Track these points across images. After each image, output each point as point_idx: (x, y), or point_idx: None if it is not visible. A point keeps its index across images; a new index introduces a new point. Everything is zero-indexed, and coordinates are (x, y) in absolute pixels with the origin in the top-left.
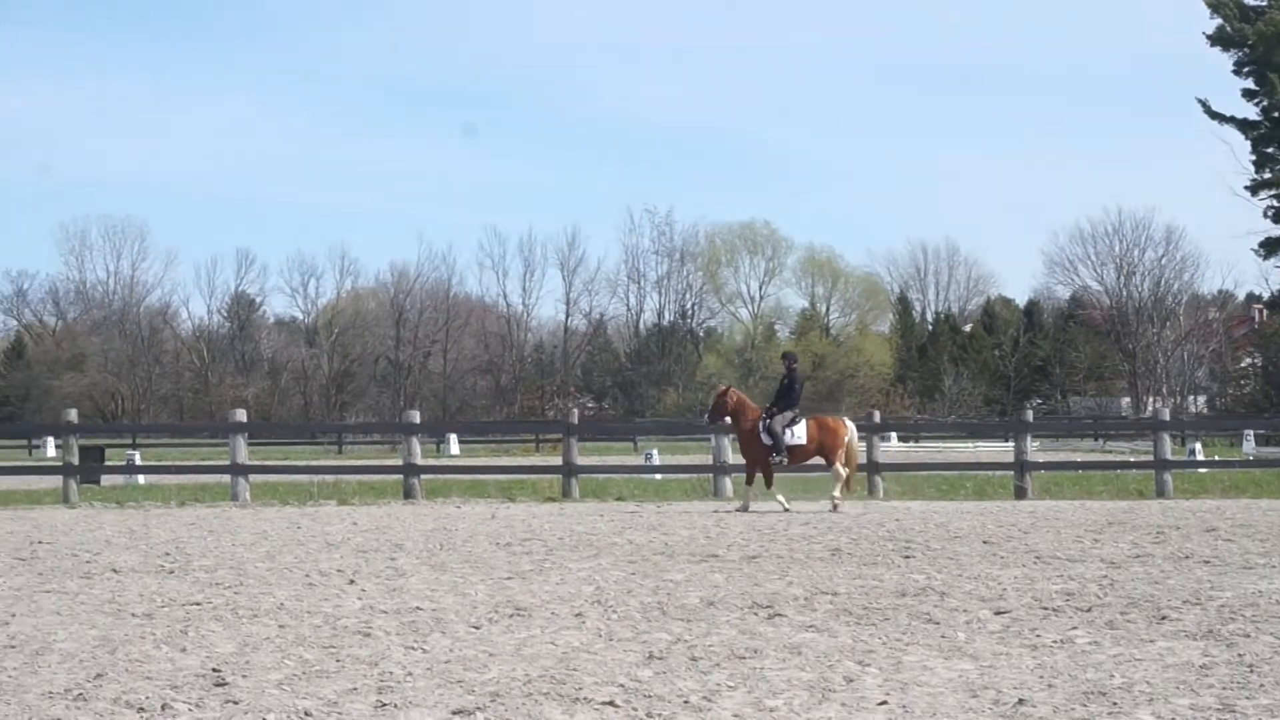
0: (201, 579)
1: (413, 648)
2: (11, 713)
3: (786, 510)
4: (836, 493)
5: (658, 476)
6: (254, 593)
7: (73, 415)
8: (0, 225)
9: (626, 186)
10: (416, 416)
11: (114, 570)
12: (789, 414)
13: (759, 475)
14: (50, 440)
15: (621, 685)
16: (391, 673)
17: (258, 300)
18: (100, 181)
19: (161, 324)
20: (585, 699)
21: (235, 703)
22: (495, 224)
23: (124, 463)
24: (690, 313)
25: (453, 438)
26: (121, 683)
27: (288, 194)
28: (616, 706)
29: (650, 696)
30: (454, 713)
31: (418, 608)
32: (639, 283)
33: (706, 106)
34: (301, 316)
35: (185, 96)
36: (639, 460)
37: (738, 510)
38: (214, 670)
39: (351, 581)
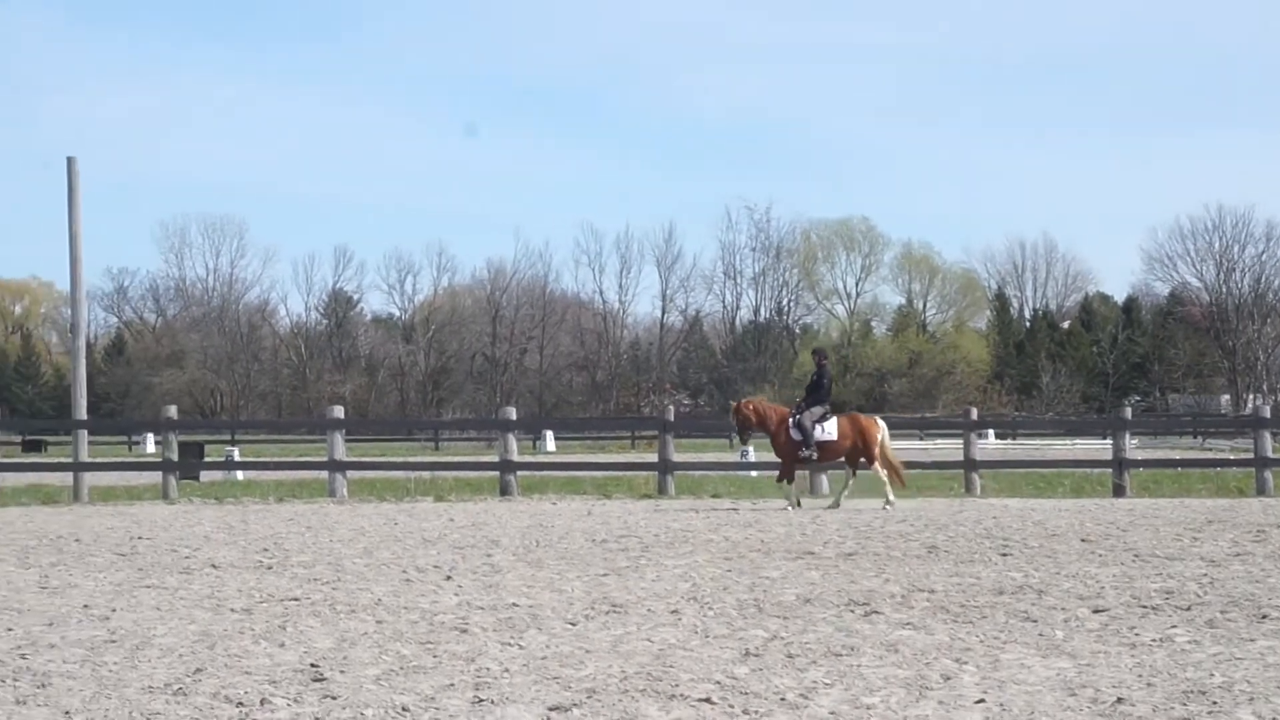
0: (300, 575)
1: (509, 644)
2: (112, 707)
3: (797, 507)
4: (890, 495)
5: (754, 473)
6: (352, 589)
7: (172, 412)
8: (101, 223)
9: (724, 183)
10: (513, 413)
11: (213, 566)
12: (819, 410)
13: (785, 468)
14: (150, 437)
15: (718, 682)
16: (488, 669)
17: (355, 297)
18: (200, 179)
19: (260, 321)
20: (681, 695)
21: (333, 698)
22: (592, 221)
23: (223, 459)
24: (786, 309)
25: (549, 434)
26: (220, 678)
27: (386, 191)
28: (712, 703)
29: (746, 693)
30: (550, 709)
31: (514, 604)
32: (735, 279)
33: (805, 103)
34: (398, 313)
35: (285, 94)
36: (735, 457)
37: (790, 508)
38: (312, 665)
39: (448, 578)
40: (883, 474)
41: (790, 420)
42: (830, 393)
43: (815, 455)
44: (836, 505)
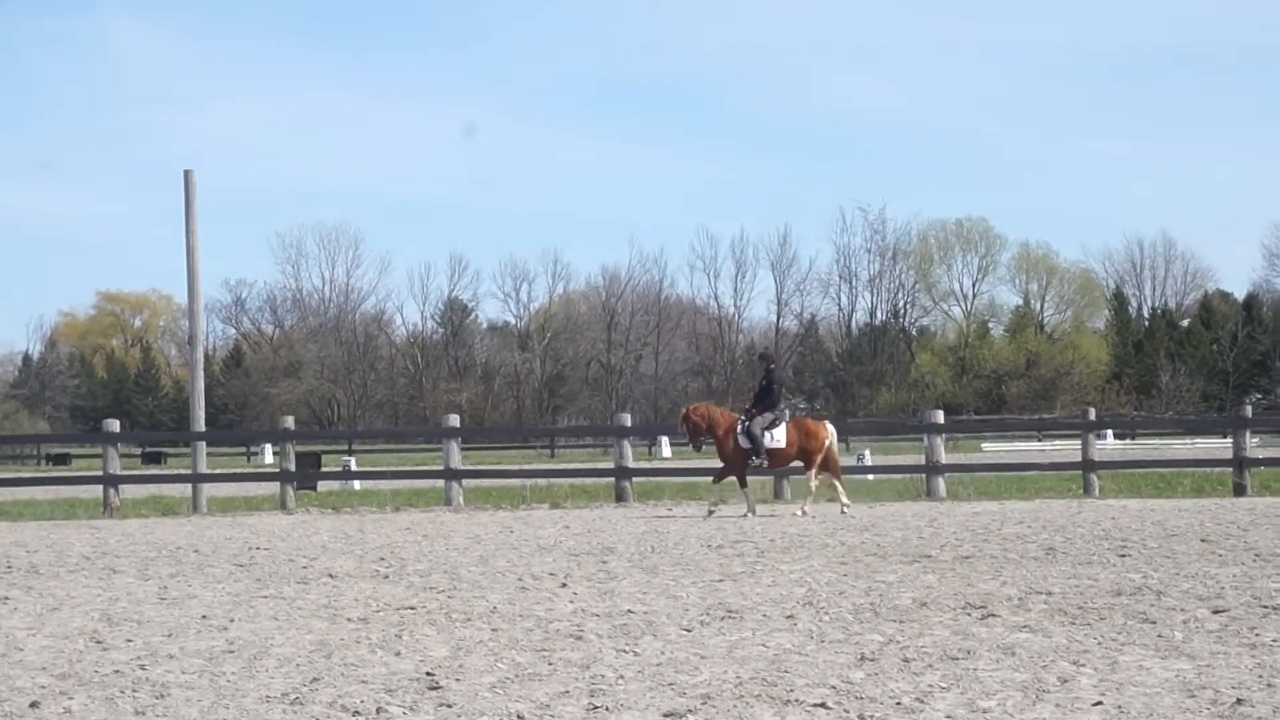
0: (416, 583)
1: (624, 650)
2: (230, 717)
3: (751, 515)
4: (843, 498)
5: (870, 477)
6: (467, 596)
7: (290, 422)
8: (219, 235)
9: (839, 185)
10: (628, 419)
11: (330, 575)
12: (768, 416)
13: (734, 475)
14: (268, 447)
15: (833, 687)
16: (603, 675)
17: (471, 305)
18: (315, 190)
19: (376, 330)
20: (797, 701)
21: (449, 706)
22: (707, 225)
23: (340, 468)
24: (902, 312)
25: (664, 440)
26: (337, 687)
27: (500, 199)
28: (828, 708)
29: (862, 698)
30: (665, 715)
31: (629, 610)
32: (851, 282)
33: (920, 103)
34: (514, 321)
35: (397, 103)
36: (851, 461)
37: (706, 515)
38: (428, 674)
39: (564, 585)
40: (814, 483)
41: (739, 427)
42: (780, 398)
43: (766, 463)
44: (803, 513)
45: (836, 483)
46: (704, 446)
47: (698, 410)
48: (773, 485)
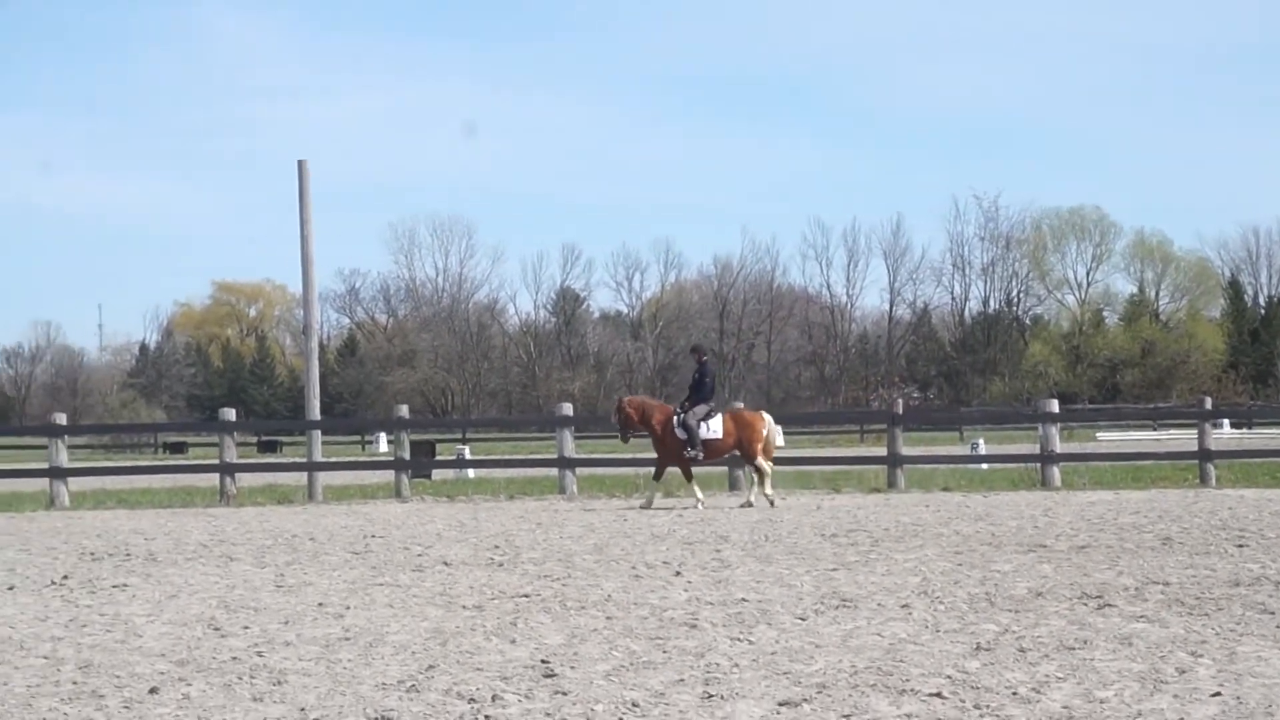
0: (530, 571)
1: (739, 639)
2: (346, 704)
3: (701, 505)
4: (768, 488)
5: (984, 466)
6: (582, 585)
7: (404, 411)
8: (333, 225)
9: (952, 174)
10: (740, 406)
11: (445, 563)
12: (703, 408)
13: (677, 469)
14: (382, 436)
15: (949, 676)
16: (718, 664)
17: (583, 295)
18: (428, 180)
19: (489, 320)
20: (912, 690)
21: (564, 694)
22: (819, 214)
23: (454, 457)
24: (1016, 300)
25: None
26: (453, 674)
27: (612, 189)
28: (944, 698)
29: (978, 688)
30: (780, 704)
31: (743, 599)
32: (964, 270)
33: (1034, 92)
34: (626, 310)
35: (510, 94)
36: (964, 450)
37: (641, 507)
38: (543, 661)
39: (677, 573)
40: (767, 468)
41: (675, 420)
42: (714, 390)
43: (701, 455)
44: (749, 504)
45: (761, 471)
46: (632, 439)
47: (632, 402)
48: (729, 476)
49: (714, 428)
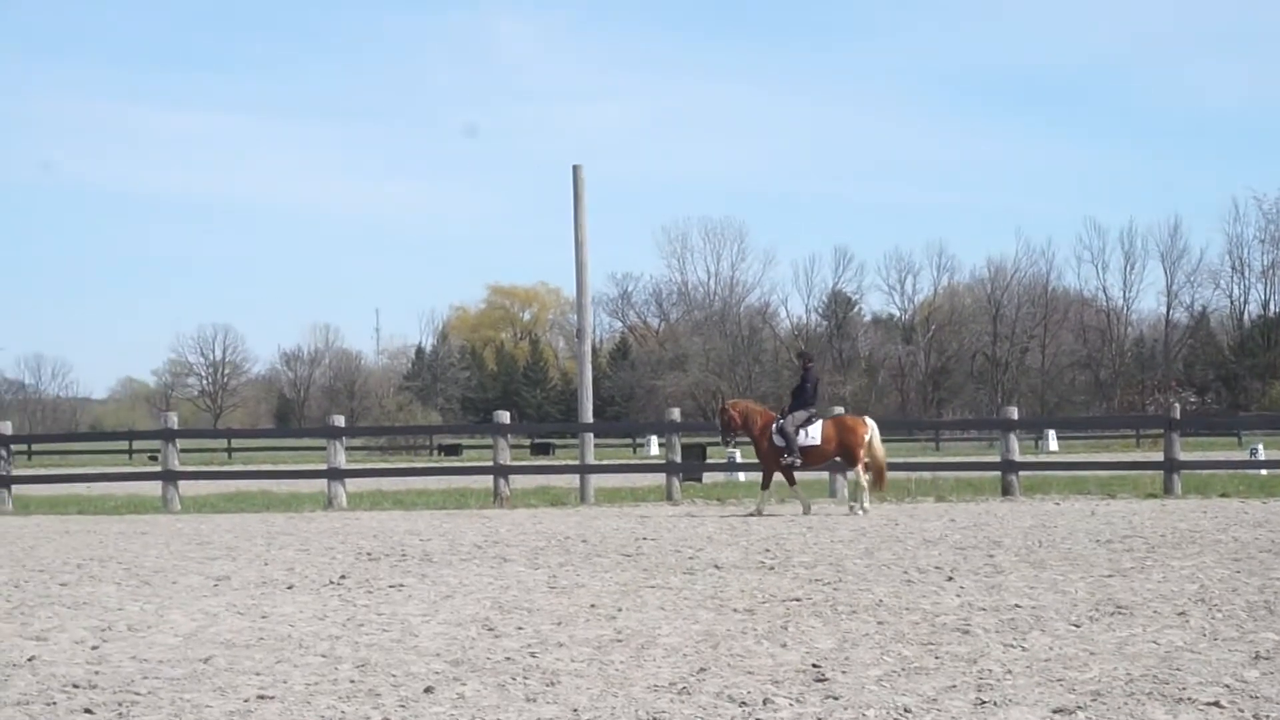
0: (801, 575)
1: (1011, 645)
2: (619, 705)
3: (808, 513)
4: (865, 502)
5: (1263, 472)
6: (852, 589)
7: (676, 414)
8: (605, 229)
9: (1231, 174)
10: (1014, 412)
11: (715, 566)
12: (803, 414)
13: (781, 476)
14: (654, 439)
15: (1226, 686)
16: (990, 670)
17: (855, 298)
18: (700, 183)
19: (761, 323)
20: (1189, 699)
21: (835, 698)
22: (1094, 216)
23: (724, 460)
24: None
25: (1050, 433)
26: (723, 677)
27: (885, 192)
28: (1222, 708)
29: (1257, 698)
30: (1054, 711)
31: (1016, 605)
32: (1243, 273)
33: None
34: (898, 314)
35: (781, 96)
36: (1243, 455)
37: (749, 515)
38: (814, 666)
39: (950, 578)
40: (864, 479)
41: (774, 426)
42: (815, 396)
43: (799, 461)
44: (854, 511)
45: (865, 480)
46: (735, 443)
47: (735, 405)
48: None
49: (814, 434)
